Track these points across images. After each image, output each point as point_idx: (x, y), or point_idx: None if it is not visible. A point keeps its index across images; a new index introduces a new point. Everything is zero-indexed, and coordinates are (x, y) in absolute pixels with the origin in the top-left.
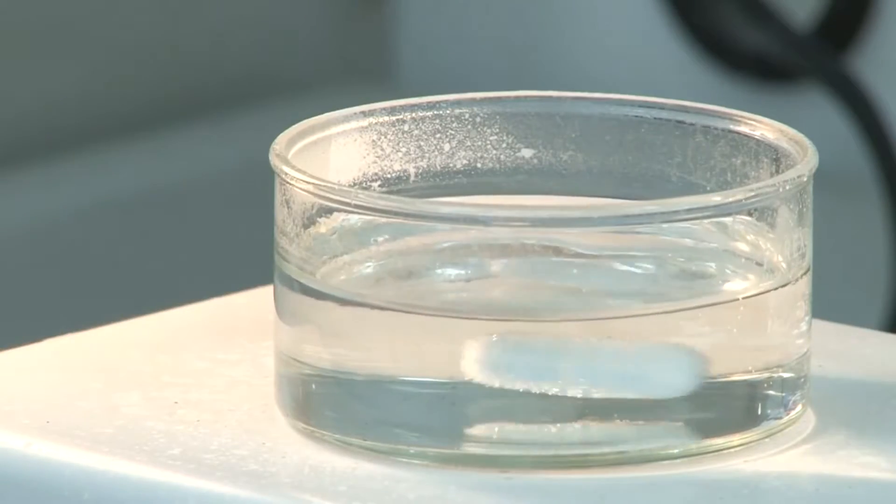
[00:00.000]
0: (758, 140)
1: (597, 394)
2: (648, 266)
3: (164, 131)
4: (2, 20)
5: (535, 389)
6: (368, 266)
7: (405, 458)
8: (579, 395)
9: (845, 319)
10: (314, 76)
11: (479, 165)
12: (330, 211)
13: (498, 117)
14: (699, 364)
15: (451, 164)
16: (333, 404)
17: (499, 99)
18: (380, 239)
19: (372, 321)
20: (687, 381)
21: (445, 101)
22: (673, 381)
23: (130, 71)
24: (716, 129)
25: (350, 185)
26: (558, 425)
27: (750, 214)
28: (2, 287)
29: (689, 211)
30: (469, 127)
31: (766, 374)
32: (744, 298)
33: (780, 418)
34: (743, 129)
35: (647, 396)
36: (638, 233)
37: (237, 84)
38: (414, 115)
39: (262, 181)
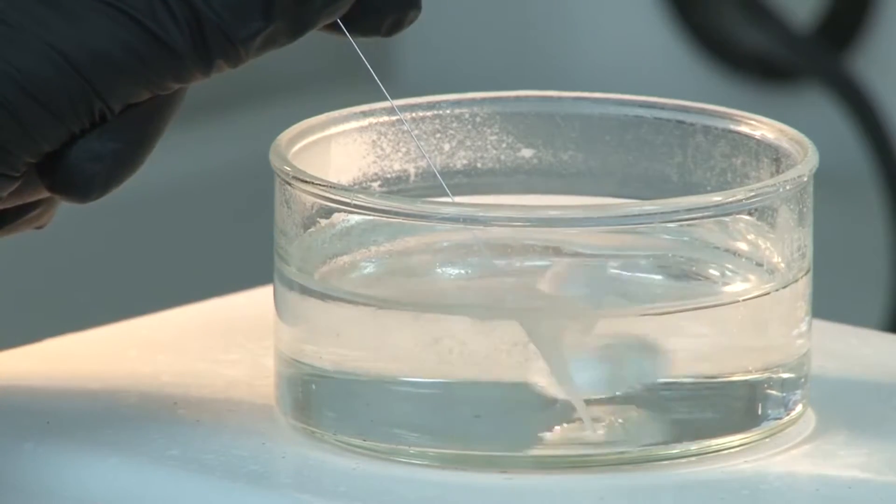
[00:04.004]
0: (758, 140)
1: (594, 394)
2: (648, 266)
3: None
4: None
5: (536, 389)
6: (368, 266)
7: (405, 458)
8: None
9: (845, 319)
10: (314, 76)
11: (479, 165)
12: (330, 211)
13: (498, 117)
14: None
15: (451, 164)
16: (333, 404)
17: (499, 99)
18: (380, 239)
19: (372, 321)
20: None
21: (445, 101)
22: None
23: None
24: (716, 129)
25: (350, 185)
26: (558, 425)
27: (750, 214)
28: (2, 287)
29: (689, 211)
30: (469, 127)
31: (766, 374)
32: (744, 300)
33: (780, 418)
34: (743, 129)
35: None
36: (638, 233)
37: (237, 84)
38: (414, 115)
39: (262, 181)
